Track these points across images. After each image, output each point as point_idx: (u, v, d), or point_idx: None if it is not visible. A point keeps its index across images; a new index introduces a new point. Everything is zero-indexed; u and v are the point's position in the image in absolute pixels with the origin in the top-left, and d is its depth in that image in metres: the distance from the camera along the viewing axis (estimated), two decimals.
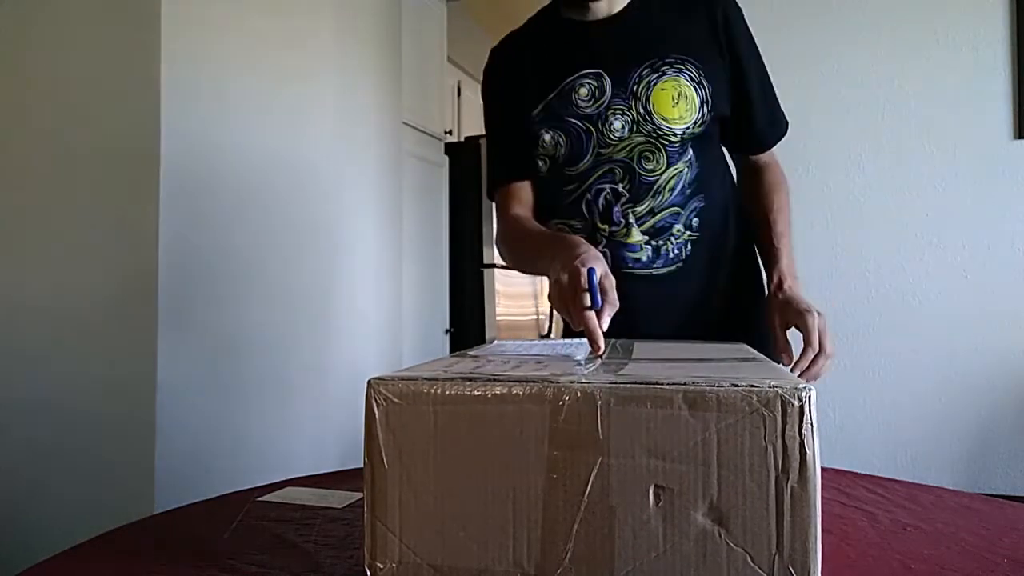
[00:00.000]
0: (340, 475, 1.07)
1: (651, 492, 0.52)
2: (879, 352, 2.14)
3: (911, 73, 2.15)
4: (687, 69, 1.05)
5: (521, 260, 1.14)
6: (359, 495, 0.76)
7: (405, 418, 0.55)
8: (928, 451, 2.12)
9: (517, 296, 3.67)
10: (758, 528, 0.50)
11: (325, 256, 2.18)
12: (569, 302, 0.78)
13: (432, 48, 3.14)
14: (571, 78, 1.07)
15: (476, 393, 0.54)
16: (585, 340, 0.83)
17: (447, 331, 3.23)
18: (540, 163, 1.12)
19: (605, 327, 0.74)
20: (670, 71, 1.04)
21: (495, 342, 0.91)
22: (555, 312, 1.12)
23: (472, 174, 3.36)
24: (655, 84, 1.04)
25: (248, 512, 0.87)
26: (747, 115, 1.12)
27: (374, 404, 0.56)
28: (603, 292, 0.76)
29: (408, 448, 0.55)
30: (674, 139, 1.06)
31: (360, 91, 2.40)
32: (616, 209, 1.08)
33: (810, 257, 2.21)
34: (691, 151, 1.09)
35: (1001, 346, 2.07)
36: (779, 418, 0.50)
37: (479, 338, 3.30)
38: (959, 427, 2.09)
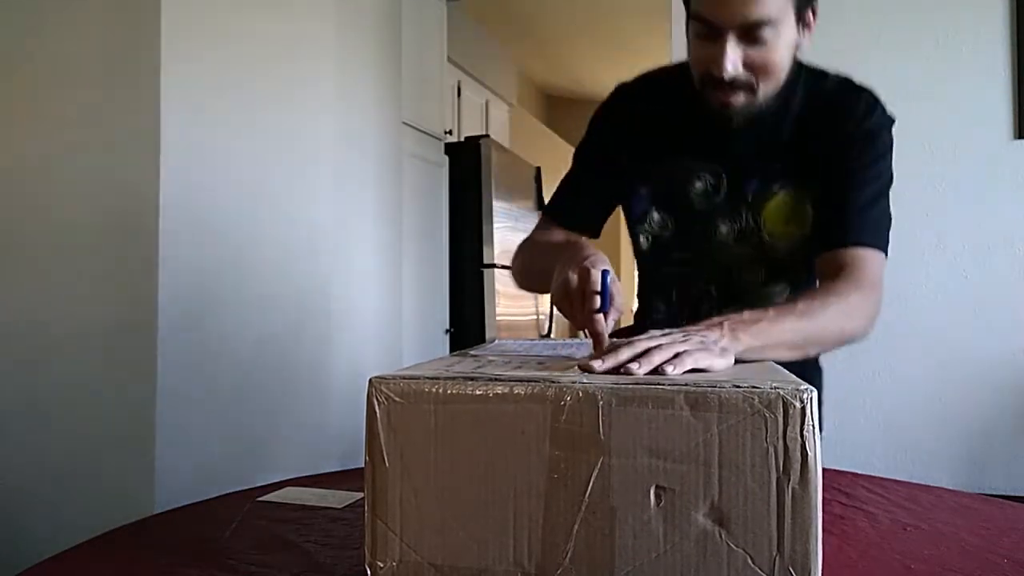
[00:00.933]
0: (340, 475, 1.08)
1: (652, 492, 0.52)
2: (879, 352, 2.14)
3: (911, 73, 2.15)
4: (808, 184, 1.00)
5: (530, 267, 1.11)
6: (359, 495, 0.76)
7: (406, 417, 0.55)
8: (928, 451, 2.12)
9: (517, 296, 3.67)
10: (759, 529, 0.50)
11: (325, 256, 2.18)
12: (576, 301, 0.76)
13: (432, 48, 3.14)
14: (690, 166, 1.04)
15: (477, 392, 0.54)
16: (586, 341, 0.83)
17: (447, 331, 3.23)
18: (643, 239, 1.11)
19: (610, 330, 0.73)
20: (788, 186, 1.00)
21: (496, 342, 0.91)
22: (554, 312, 1.16)
23: (472, 174, 3.36)
24: (770, 197, 1.01)
25: (248, 512, 0.87)
26: (821, 208, 1.02)
27: (375, 403, 0.56)
28: (611, 296, 0.74)
29: (409, 447, 0.55)
30: (778, 256, 1.03)
31: (360, 91, 2.40)
32: (704, 307, 1.07)
33: None
34: (800, 272, 1.04)
35: (1001, 346, 2.07)
36: (780, 419, 0.50)
37: (479, 338, 3.30)
38: (959, 427, 2.09)
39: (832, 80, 1.05)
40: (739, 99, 0.96)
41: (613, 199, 1.12)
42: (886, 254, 1.04)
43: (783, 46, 0.94)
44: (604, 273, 0.74)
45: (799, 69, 1.02)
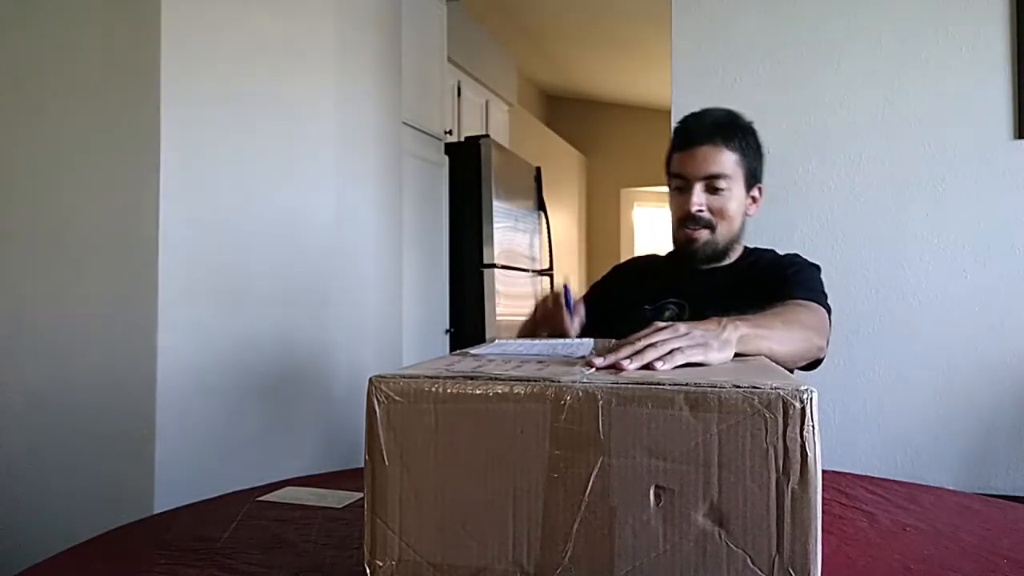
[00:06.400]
0: (340, 475, 1.08)
1: (651, 492, 0.51)
2: (879, 352, 2.14)
3: (911, 73, 2.15)
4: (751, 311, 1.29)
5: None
6: (359, 495, 0.76)
7: (406, 416, 0.55)
8: (928, 451, 2.11)
9: (517, 296, 3.67)
10: (758, 529, 0.50)
11: (325, 255, 2.18)
12: (546, 310, 1.22)
13: (432, 48, 3.14)
14: (663, 301, 1.35)
15: (477, 392, 0.54)
16: (585, 341, 0.84)
17: (447, 331, 3.23)
18: None
19: (573, 328, 1.11)
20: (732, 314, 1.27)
21: (496, 342, 0.91)
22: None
23: (472, 174, 3.36)
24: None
25: (248, 512, 0.87)
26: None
27: (375, 402, 0.56)
28: (576, 305, 1.12)
29: (409, 446, 0.55)
30: None
31: (360, 91, 2.40)
32: None
33: (810, 257, 2.21)
34: None
35: (1001, 346, 2.07)
36: (780, 420, 0.50)
37: (479, 338, 3.30)
38: (959, 427, 2.09)
39: (772, 253, 1.43)
40: (703, 235, 1.32)
41: (599, 319, 1.42)
42: (829, 313, 1.24)
43: (735, 202, 1.32)
44: (565, 287, 1.18)
45: (752, 251, 1.43)
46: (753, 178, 1.36)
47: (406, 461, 0.55)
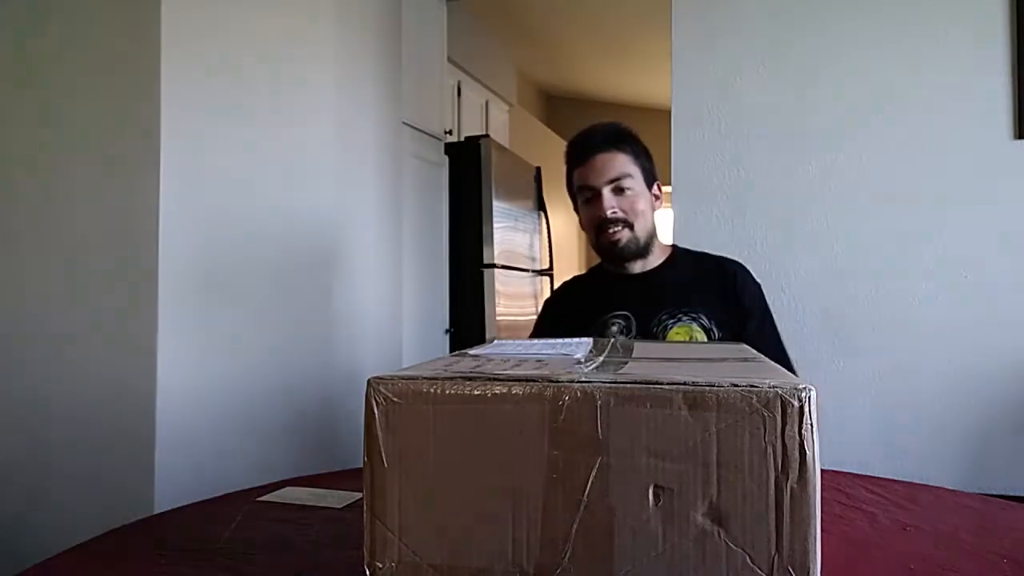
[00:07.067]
0: (340, 475, 1.08)
1: (651, 492, 0.51)
2: (879, 352, 2.14)
3: (911, 73, 2.15)
4: (700, 317, 1.28)
5: None
6: (358, 495, 0.76)
7: (405, 417, 0.55)
8: (928, 451, 2.11)
9: (517, 296, 3.67)
10: (758, 528, 0.50)
11: (324, 256, 2.18)
12: None
13: (432, 48, 3.14)
14: (606, 317, 1.35)
15: (476, 392, 0.54)
16: (584, 340, 0.84)
17: (447, 331, 3.23)
18: None
19: None
20: (684, 318, 1.28)
21: (495, 341, 0.91)
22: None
23: (472, 174, 3.36)
24: (671, 328, 1.29)
25: (248, 512, 0.87)
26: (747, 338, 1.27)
27: (374, 403, 0.55)
28: None
29: (407, 448, 0.55)
30: None
31: (360, 91, 2.40)
32: None
33: (810, 257, 2.21)
34: None
35: (1001, 346, 2.07)
36: (779, 418, 0.50)
37: (479, 338, 3.30)
38: (959, 427, 2.09)
39: (712, 255, 1.45)
40: (623, 234, 1.36)
41: None
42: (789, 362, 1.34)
43: (642, 200, 1.36)
44: None
45: (683, 251, 1.45)
46: (652, 176, 1.42)
47: (405, 463, 0.55)
